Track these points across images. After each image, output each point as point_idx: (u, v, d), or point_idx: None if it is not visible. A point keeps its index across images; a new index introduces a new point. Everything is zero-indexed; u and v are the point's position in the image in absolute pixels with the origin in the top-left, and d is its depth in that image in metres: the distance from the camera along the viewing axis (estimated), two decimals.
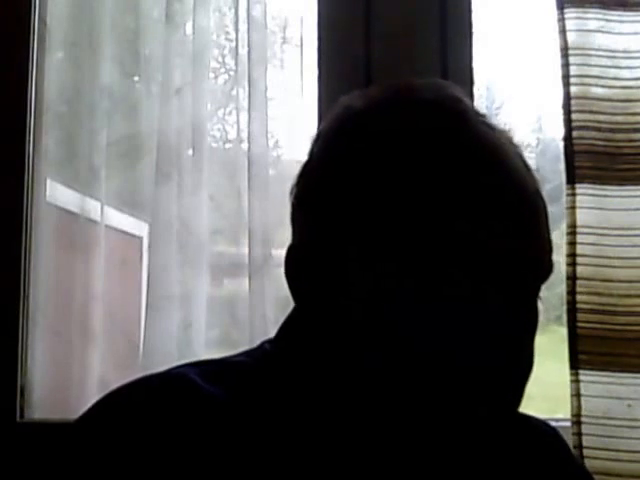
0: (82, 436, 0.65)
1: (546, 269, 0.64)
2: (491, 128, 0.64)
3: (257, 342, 0.72)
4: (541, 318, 0.64)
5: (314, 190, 0.64)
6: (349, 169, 0.62)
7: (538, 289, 0.64)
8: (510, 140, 0.66)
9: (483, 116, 0.65)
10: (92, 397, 1.07)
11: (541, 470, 0.72)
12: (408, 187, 0.59)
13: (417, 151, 0.60)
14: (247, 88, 1.29)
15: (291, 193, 0.67)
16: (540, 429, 0.78)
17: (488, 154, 0.61)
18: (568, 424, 1.12)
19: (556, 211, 1.70)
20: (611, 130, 1.16)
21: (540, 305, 0.65)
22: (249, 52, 1.30)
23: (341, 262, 0.62)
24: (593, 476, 0.81)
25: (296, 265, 0.65)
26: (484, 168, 0.60)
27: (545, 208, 0.65)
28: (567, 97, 1.17)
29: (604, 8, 1.18)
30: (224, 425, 0.62)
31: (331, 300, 0.62)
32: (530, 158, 1.85)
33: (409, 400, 0.59)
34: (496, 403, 0.60)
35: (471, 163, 0.60)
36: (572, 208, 1.15)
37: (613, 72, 1.17)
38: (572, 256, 1.14)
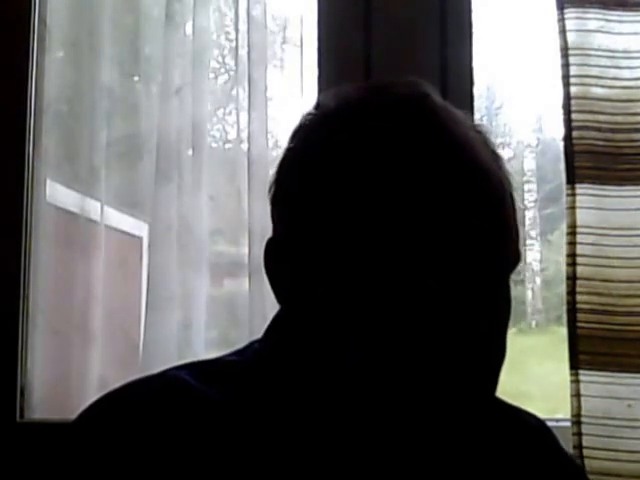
0: (76, 438, 0.66)
1: (514, 257, 0.66)
2: (458, 123, 0.65)
3: None
4: (515, 306, 0.68)
5: (289, 186, 0.66)
6: (321, 166, 0.64)
7: (508, 277, 0.66)
8: (479, 134, 0.67)
9: (452, 112, 0.66)
10: (92, 397, 1.06)
11: (525, 462, 0.73)
12: (376, 182, 0.60)
13: (384, 148, 0.61)
14: (247, 88, 1.29)
15: (269, 191, 0.68)
16: (527, 422, 0.79)
17: (453, 148, 0.62)
18: (568, 424, 1.12)
19: (556, 211, 1.71)
20: (611, 130, 1.16)
21: (511, 293, 0.67)
22: (249, 52, 1.30)
23: (314, 255, 0.63)
24: (586, 473, 0.81)
25: (273, 258, 0.66)
26: (449, 162, 0.61)
27: (512, 198, 0.66)
28: (567, 97, 1.17)
29: (604, 8, 1.18)
30: (218, 424, 0.63)
31: (308, 294, 0.64)
32: (530, 158, 1.83)
33: (388, 390, 0.60)
34: (471, 390, 0.61)
35: (436, 158, 0.61)
36: (572, 208, 1.15)
37: (613, 72, 1.17)
38: (572, 256, 1.14)
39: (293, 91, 1.34)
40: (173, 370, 0.69)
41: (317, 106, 0.68)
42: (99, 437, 0.64)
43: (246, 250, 1.25)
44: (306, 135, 0.67)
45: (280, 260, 0.66)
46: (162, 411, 0.64)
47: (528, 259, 1.74)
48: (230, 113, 1.43)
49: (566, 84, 1.17)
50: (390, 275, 0.60)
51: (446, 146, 0.62)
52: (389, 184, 0.60)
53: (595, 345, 1.12)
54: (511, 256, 0.65)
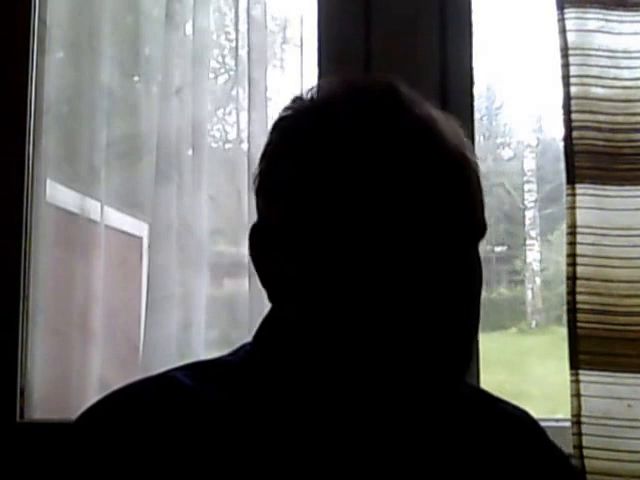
0: (76, 440, 0.68)
1: (479, 227, 0.69)
2: (421, 106, 0.69)
3: None
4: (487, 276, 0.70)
5: (269, 178, 0.71)
6: (296, 157, 0.68)
7: (475, 248, 0.69)
8: (445, 119, 0.70)
9: (417, 99, 0.70)
10: (92, 397, 1.07)
11: (509, 453, 0.74)
12: (346, 170, 0.65)
13: (353, 139, 0.66)
14: (247, 88, 1.29)
15: (254, 182, 0.73)
16: (512, 414, 0.80)
17: (417, 128, 0.66)
18: (568, 424, 1.12)
19: (556, 211, 1.71)
20: (611, 130, 1.16)
21: (481, 264, 0.70)
22: (249, 52, 1.30)
23: (293, 241, 0.68)
24: (576, 467, 0.82)
25: (256, 244, 0.72)
26: (414, 144, 0.65)
27: (476, 173, 0.69)
28: (567, 97, 1.17)
29: (604, 8, 1.18)
30: (214, 422, 0.66)
31: (288, 278, 0.68)
32: (530, 158, 1.83)
33: (371, 371, 0.64)
34: (446, 362, 0.65)
35: (401, 141, 0.65)
36: (572, 208, 1.15)
37: (613, 72, 1.17)
38: (572, 256, 1.14)
39: (293, 91, 1.34)
40: (171, 371, 0.72)
41: (295, 100, 0.73)
42: (98, 438, 0.66)
43: (246, 250, 1.24)
44: (284, 129, 0.72)
45: (263, 245, 0.71)
46: (159, 412, 0.66)
47: (528, 259, 1.74)
48: (230, 113, 1.44)
49: (566, 84, 1.17)
50: (362, 257, 0.63)
51: (411, 127, 0.66)
52: (359, 171, 0.64)
53: (595, 345, 1.12)
54: (477, 226, 0.68)
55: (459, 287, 0.65)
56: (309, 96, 0.72)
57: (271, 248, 0.69)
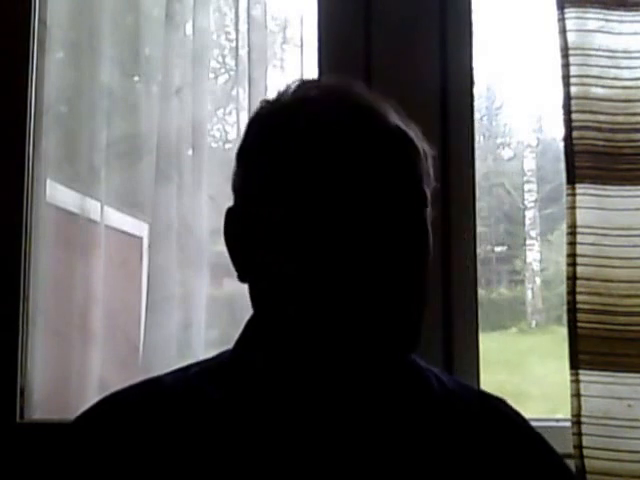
0: (71, 441, 0.72)
1: (420, 198, 0.73)
2: (370, 102, 0.75)
3: None
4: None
5: (242, 174, 0.78)
6: (258, 152, 0.76)
7: (420, 219, 0.72)
8: (385, 104, 0.76)
9: (364, 94, 0.76)
10: (92, 397, 1.07)
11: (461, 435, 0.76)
12: (297, 163, 0.71)
13: (315, 136, 0.71)
14: (247, 88, 1.29)
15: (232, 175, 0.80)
16: (494, 406, 0.82)
17: (362, 115, 0.73)
18: (568, 424, 1.12)
19: (556, 211, 1.71)
20: (611, 130, 1.16)
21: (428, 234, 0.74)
22: (249, 52, 1.30)
23: (258, 228, 0.74)
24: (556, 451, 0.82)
25: (229, 225, 0.77)
26: (362, 131, 0.72)
27: (417, 151, 0.74)
28: (567, 97, 1.17)
29: (604, 8, 1.18)
30: (205, 420, 0.71)
31: (255, 263, 0.74)
32: (530, 158, 1.83)
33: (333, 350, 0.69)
34: (395, 334, 0.69)
35: (348, 132, 0.71)
36: (572, 208, 1.15)
37: (613, 72, 1.17)
38: (572, 256, 1.14)
39: None
40: (161, 375, 0.77)
41: (263, 103, 0.79)
42: (93, 439, 0.70)
43: None
44: (250, 128, 0.79)
45: (235, 232, 0.77)
46: (148, 414, 0.71)
47: (528, 259, 1.74)
48: (230, 113, 1.44)
49: (566, 84, 1.17)
50: (323, 246, 0.68)
51: (357, 120, 0.72)
52: (319, 165, 0.70)
53: (595, 345, 1.12)
54: (419, 196, 0.73)
55: (404, 255, 0.69)
56: (272, 100, 0.79)
57: (242, 234, 0.75)
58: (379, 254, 0.68)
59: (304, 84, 0.79)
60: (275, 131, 0.75)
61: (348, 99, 0.74)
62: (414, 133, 0.76)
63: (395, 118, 0.74)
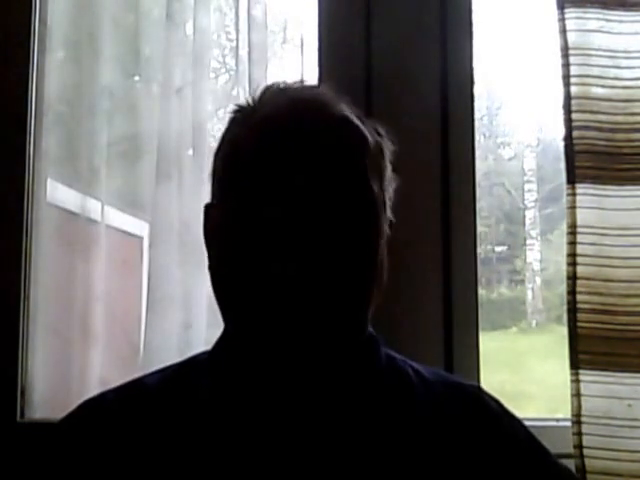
0: (56, 440, 0.77)
1: (360, 184, 0.74)
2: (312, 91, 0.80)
3: None
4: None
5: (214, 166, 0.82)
6: (224, 150, 0.80)
7: (360, 207, 0.73)
8: (337, 98, 0.78)
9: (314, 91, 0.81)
10: None
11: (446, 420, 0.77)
12: (236, 160, 0.75)
13: (267, 144, 0.74)
14: (247, 88, 1.29)
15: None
16: (464, 388, 0.84)
17: (303, 106, 0.76)
18: (568, 424, 1.12)
19: (556, 211, 1.71)
20: (611, 130, 1.16)
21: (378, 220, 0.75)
22: (249, 52, 1.30)
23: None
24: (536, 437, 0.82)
25: (206, 221, 0.81)
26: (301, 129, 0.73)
27: (361, 140, 0.75)
28: (567, 97, 1.17)
29: (604, 8, 1.18)
30: (184, 418, 0.73)
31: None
32: (530, 158, 1.83)
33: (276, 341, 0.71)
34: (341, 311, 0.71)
35: (284, 124, 0.74)
36: (572, 208, 1.15)
37: (613, 72, 1.17)
38: (572, 256, 1.14)
39: None
40: (138, 378, 0.82)
41: (235, 107, 0.82)
42: (74, 440, 0.75)
43: None
44: (226, 129, 0.82)
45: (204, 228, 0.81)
46: (126, 415, 0.75)
47: (528, 259, 1.74)
48: None
49: (566, 84, 1.17)
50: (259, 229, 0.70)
51: (297, 116, 0.75)
52: (256, 159, 0.73)
53: (595, 345, 1.12)
54: (359, 182, 0.74)
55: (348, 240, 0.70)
56: (244, 103, 0.82)
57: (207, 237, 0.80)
58: (314, 242, 0.69)
59: (268, 88, 0.82)
60: (227, 130, 0.81)
61: (296, 97, 0.78)
62: (370, 128, 0.78)
63: (342, 108, 0.76)
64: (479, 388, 0.86)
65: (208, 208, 0.82)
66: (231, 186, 0.75)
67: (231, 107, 0.84)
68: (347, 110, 0.77)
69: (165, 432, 0.72)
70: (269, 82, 0.84)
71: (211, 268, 0.79)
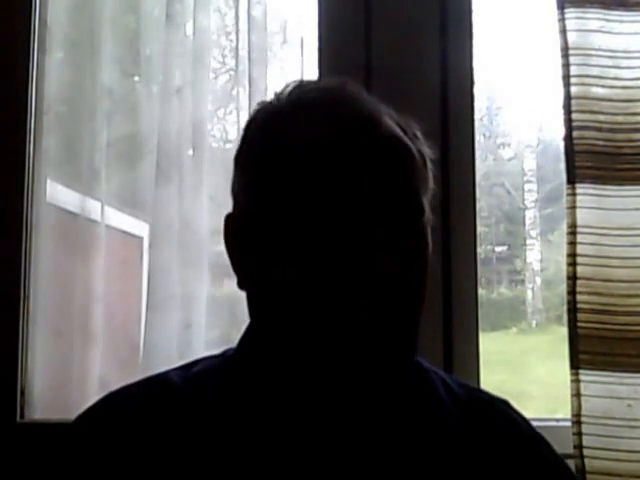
0: (72, 440, 0.72)
1: (416, 209, 0.73)
2: (364, 104, 0.75)
3: None
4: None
5: (237, 174, 0.79)
6: (254, 160, 0.76)
7: (415, 229, 0.72)
8: (380, 108, 0.76)
9: (359, 99, 0.76)
10: (92, 397, 1.07)
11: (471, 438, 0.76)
12: (290, 175, 0.71)
13: (316, 143, 0.71)
14: (247, 88, 1.29)
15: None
16: (482, 399, 0.83)
17: (356, 126, 0.72)
18: (568, 424, 1.12)
19: (556, 211, 1.71)
20: (611, 130, 1.16)
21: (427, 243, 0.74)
22: (249, 52, 1.30)
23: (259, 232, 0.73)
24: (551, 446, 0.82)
25: (229, 231, 0.77)
26: (362, 142, 0.71)
27: (412, 159, 0.73)
28: (567, 97, 1.17)
29: (604, 8, 1.18)
30: (206, 420, 0.71)
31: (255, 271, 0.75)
32: (530, 158, 1.83)
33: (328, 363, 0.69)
34: (389, 342, 0.69)
35: (342, 145, 0.71)
36: (572, 208, 1.15)
37: (613, 72, 1.17)
38: (572, 256, 1.14)
39: None
40: (164, 372, 0.77)
41: (260, 106, 0.79)
42: (93, 439, 0.70)
43: None
44: (248, 131, 0.79)
45: (234, 239, 0.77)
46: (151, 412, 0.71)
47: (528, 259, 1.74)
48: (230, 113, 1.43)
49: (566, 84, 1.17)
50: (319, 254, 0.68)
51: (353, 132, 0.72)
52: (313, 178, 0.70)
53: (595, 345, 1.12)
54: (414, 208, 0.72)
55: (397, 272, 0.68)
56: (268, 103, 0.78)
57: (246, 248, 0.75)
58: (373, 263, 0.68)
59: (300, 86, 0.78)
60: (270, 140, 0.74)
61: (343, 107, 0.74)
62: (412, 136, 0.75)
63: (390, 125, 0.74)
64: (508, 404, 0.84)
65: (238, 219, 0.77)
66: (283, 201, 0.71)
67: (258, 103, 0.80)
68: (395, 123, 0.75)
69: (191, 432, 0.70)
70: (293, 81, 0.79)
71: (254, 278, 0.76)
